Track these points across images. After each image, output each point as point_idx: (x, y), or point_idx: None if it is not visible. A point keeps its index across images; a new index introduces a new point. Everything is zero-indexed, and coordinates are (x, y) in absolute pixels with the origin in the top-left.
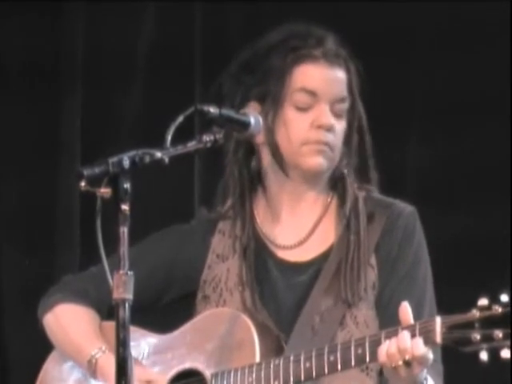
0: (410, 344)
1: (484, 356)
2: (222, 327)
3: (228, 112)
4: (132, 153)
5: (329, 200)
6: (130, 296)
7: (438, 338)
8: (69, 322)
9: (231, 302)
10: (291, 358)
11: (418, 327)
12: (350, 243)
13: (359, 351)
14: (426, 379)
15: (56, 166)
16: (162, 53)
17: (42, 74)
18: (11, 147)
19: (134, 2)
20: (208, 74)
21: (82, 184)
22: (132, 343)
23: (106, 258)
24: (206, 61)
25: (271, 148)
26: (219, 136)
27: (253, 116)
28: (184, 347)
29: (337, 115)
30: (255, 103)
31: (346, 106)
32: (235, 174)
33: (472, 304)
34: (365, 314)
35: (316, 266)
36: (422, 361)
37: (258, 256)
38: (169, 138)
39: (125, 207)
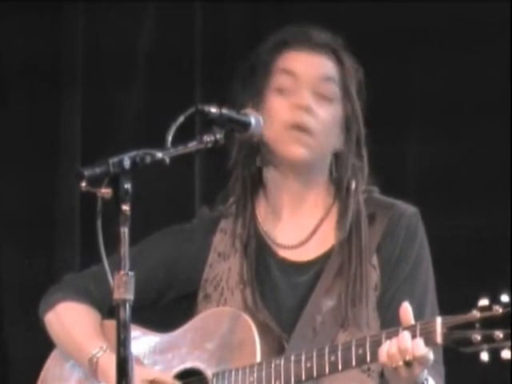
0: (410, 344)
1: (485, 357)
2: (223, 326)
3: (228, 112)
4: (133, 153)
5: (331, 202)
6: (130, 296)
7: (439, 339)
8: (70, 320)
9: (232, 301)
10: (292, 358)
11: (418, 328)
12: (351, 245)
13: (360, 351)
14: (426, 380)
15: (56, 166)
16: (161, 53)
17: (41, 74)
18: (11, 147)
19: (134, 1)
20: (208, 74)
21: (83, 184)
22: (133, 342)
23: (106, 258)
24: (206, 61)
25: (260, 141)
26: (220, 136)
27: (253, 116)
28: (185, 346)
29: (322, 97)
30: (249, 103)
31: (333, 87)
32: (238, 173)
33: (472, 304)
34: (366, 314)
35: (317, 266)
36: (422, 361)
37: (259, 255)
38: (169, 138)
39: (125, 207)
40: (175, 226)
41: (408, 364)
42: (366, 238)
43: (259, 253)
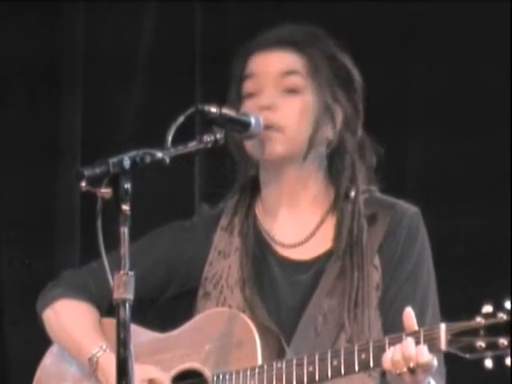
0: (414, 351)
1: (489, 364)
2: (223, 327)
3: (228, 112)
4: (133, 153)
5: (331, 202)
6: (130, 296)
7: (443, 346)
8: (69, 318)
9: (232, 299)
10: (294, 361)
11: (422, 334)
12: (353, 246)
13: (363, 356)
14: (429, 383)
15: (56, 166)
16: (161, 53)
17: (41, 74)
18: (11, 147)
19: (134, 1)
20: (208, 74)
21: (83, 184)
22: (133, 341)
23: (106, 258)
24: (205, 61)
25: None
26: (220, 136)
27: (253, 116)
28: (184, 347)
29: (289, 91)
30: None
31: (296, 79)
32: (238, 172)
33: (472, 304)
34: (368, 315)
35: (317, 265)
36: (426, 368)
37: (259, 253)
38: (169, 138)
39: (125, 207)
40: (175, 223)
41: (412, 371)
42: (367, 239)
43: (259, 251)
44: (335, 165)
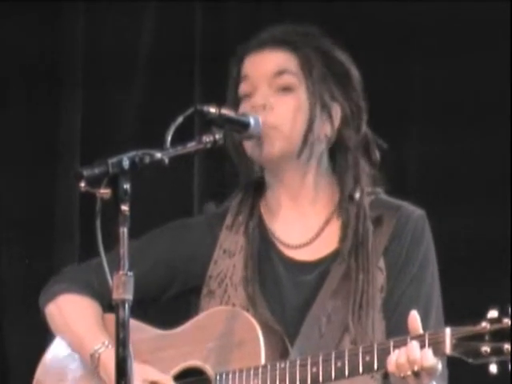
0: (419, 355)
1: (493, 369)
2: (226, 326)
3: (228, 112)
4: (132, 153)
5: (336, 200)
6: (129, 296)
7: (448, 350)
8: (72, 313)
9: (236, 298)
10: (297, 362)
11: (427, 338)
12: (358, 249)
13: (367, 358)
14: None
15: (56, 166)
16: (161, 53)
17: (41, 74)
18: (11, 147)
19: (134, 1)
20: (207, 75)
21: (82, 184)
22: (136, 339)
23: (105, 258)
24: (205, 61)
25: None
26: (219, 136)
27: (252, 117)
28: (187, 345)
29: (282, 90)
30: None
31: (288, 78)
32: (242, 171)
33: (471, 305)
34: (372, 316)
35: (322, 266)
36: (431, 372)
37: (264, 253)
38: (169, 138)
39: (124, 208)
40: (177, 222)
41: (416, 374)
42: (373, 242)
43: (264, 251)
44: (338, 163)
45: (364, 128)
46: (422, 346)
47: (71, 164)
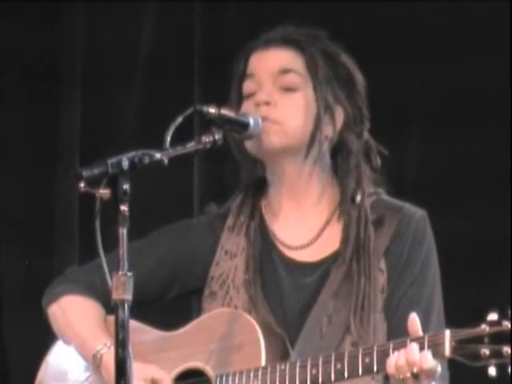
0: (418, 357)
1: (492, 371)
2: (227, 327)
3: (227, 113)
4: (131, 153)
5: (337, 201)
6: (129, 297)
7: (447, 352)
8: (75, 314)
9: (237, 300)
10: (297, 363)
11: (426, 340)
12: (359, 250)
13: (367, 360)
14: None
15: (55, 167)
16: (161, 53)
17: (41, 74)
18: (11, 147)
19: (134, 1)
20: (207, 75)
21: (81, 185)
22: (137, 340)
23: (106, 258)
24: (205, 61)
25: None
26: (218, 137)
27: (252, 117)
28: (189, 346)
29: (286, 89)
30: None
31: (293, 77)
32: (243, 172)
33: (471, 305)
34: (374, 317)
35: (323, 267)
36: (430, 374)
37: (266, 254)
38: (168, 138)
39: (124, 208)
40: (179, 222)
41: (416, 376)
42: (374, 243)
43: (265, 252)
44: (340, 166)
45: (366, 135)
46: (422, 348)
47: (71, 164)
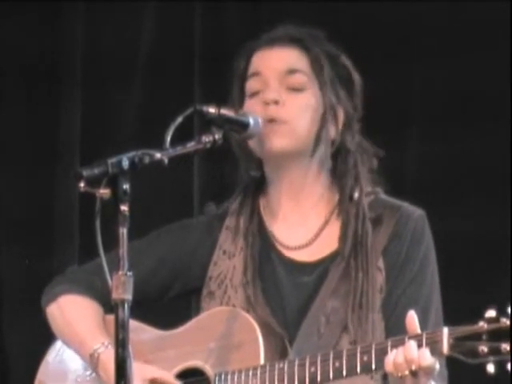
0: (416, 354)
1: (491, 368)
2: (226, 326)
3: (227, 112)
4: (131, 153)
5: (335, 204)
6: (129, 296)
7: (445, 349)
8: (73, 313)
9: (236, 299)
10: (296, 362)
11: (424, 337)
12: (357, 249)
13: (365, 358)
14: None
15: (55, 167)
16: (161, 53)
17: (41, 74)
18: (11, 147)
19: (134, 1)
20: (207, 75)
21: (81, 185)
22: (136, 339)
23: (105, 257)
24: (205, 61)
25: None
26: (218, 136)
27: (252, 116)
28: (188, 345)
29: (293, 89)
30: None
31: (299, 78)
32: (242, 172)
33: (470, 305)
34: (371, 316)
35: (322, 267)
36: (428, 371)
37: (264, 254)
38: (168, 138)
39: (124, 208)
40: (179, 222)
41: (414, 374)
42: (372, 242)
43: (264, 252)
44: (338, 166)
45: (357, 136)
46: (420, 346)
47: (71, 164)
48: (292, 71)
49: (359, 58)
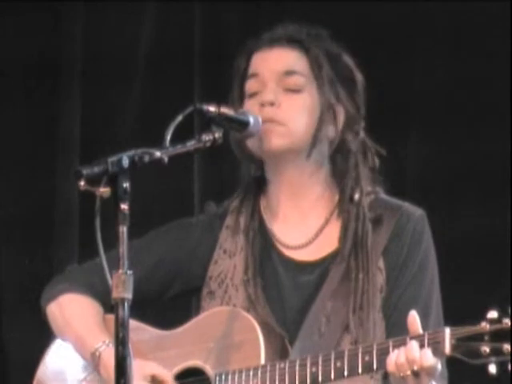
0: (418, 355)
1: (493, 369)
2: (227, 326)
3: (227, 111)
4: (131, 152)
5: (335, 203)
6: (129, 295)
7: (447, 350)
8: (73, 312)
9: (236, 299)
10: (297, 361)
11: (426, 337)
12: (357, 249)
13: (366, 358)
14: None
15: (55, 166)
16: (161, 52)
17: (41, 74)
18: (11, 147)
19: (134, 1)
20: (207, 74)
21: (81, 183)
22: (136, 339)
23: (105, 256)
24: (205, 60)
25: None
26: (218, 135)
27: (252, 115)
28: (188, 345)
29: (290, 90)
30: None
31: (297, 79)
32: (243, 171)
33: (471, 305)
34: (372, 316)
35: (322, 267)
36: (430, 371)
37: (265, 253)
38: (168, 137)
39: (124, 206)
40: (179, 221)
41: (416, 374)
42: (372, 242)
43: (264, 251)
44: (339, 166)
45: (362, 134)
46: (422, 346)
47: (71, 163)
48: (290, 72)
49: (359, 57)
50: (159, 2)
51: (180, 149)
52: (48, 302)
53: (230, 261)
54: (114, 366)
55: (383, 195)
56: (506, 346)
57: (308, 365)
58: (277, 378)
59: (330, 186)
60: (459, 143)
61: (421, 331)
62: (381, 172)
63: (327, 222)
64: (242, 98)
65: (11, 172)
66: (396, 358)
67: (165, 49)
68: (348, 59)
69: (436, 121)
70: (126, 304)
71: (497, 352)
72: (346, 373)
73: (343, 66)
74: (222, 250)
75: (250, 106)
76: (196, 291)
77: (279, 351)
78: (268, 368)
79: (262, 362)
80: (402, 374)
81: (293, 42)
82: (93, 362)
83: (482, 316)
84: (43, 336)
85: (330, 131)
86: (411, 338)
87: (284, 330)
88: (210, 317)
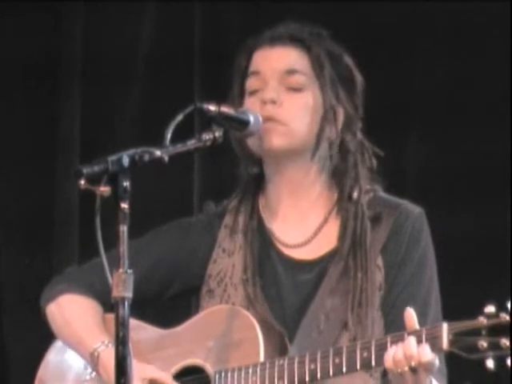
0: (416, 350)
1: (490, 364)
2: (226, 324)
3: (227, 110)
4: (131, 151)
5: (334, 202)
6: (129, 294)
7: (445, 345)
8: (73, 313)
9: (235, 297)
10: (296, 358)
11: (424, 333)
12: (356, 247)
13: (365, 354)
14: (430, 382)
15: (55, 165)
16: (161, 53)
17: (41, 74)
18: (11, 146)
19: (134, 1)
20: (207, 74)
21: (82, 182)
22: (136, 337)
23: (105, 256)
24: (205, 60)
25: (245, 145)
26: (218, 134)
27: (252, 114)
28: (188, 343)
29: (292, 89)
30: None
31: (298, 78)
32: (242, 170)
33: (470, 304)
34: (370, 314)
35: (321, 265)
36: (428, 367)
37: (263, 252)
38: (168, 136)
39: (124, 206)
40: (179, 221)
41: (414, 370)
42: (371, 240)
43: (263, 250)
44: (338, 165)
45: (359, 135)
46: (419, 342)
47: (71, 163)
48: (291, 71)
49: (359, 57)
50: (159, 1)
51: (180, 148)
52: (47, 302)
53: (228, 260)
54: (112, 366)
55: (382, 193)
56: (504, 341)
57: (307, 362)
58: (276, 375)
59: (329, 185)
60: (459, 143)
61: (418, 327)
62: (380, 172)
63: (326, 220)
64: (242, 95)
65: (11, 172)
66: (394, 353)
67: (165, 49)
68: (348, 60)
69: (436, 121)
70: (126, 303)
71: (494, 347)
72: (344, 369)
73: (344, 67)
74: (220, 249)
75: (251, 103)
76: (196, 291)
77: (278, 349)
78: (267, 365)
79: (262, 359)
80: (399, 370)
81: (294, 40)
82: (92, 362)
83: (480, 312)
84: (43, 336)
85: (331, 131)
86: (409, 334)
87: (283, 327)
88: (210, 315)
